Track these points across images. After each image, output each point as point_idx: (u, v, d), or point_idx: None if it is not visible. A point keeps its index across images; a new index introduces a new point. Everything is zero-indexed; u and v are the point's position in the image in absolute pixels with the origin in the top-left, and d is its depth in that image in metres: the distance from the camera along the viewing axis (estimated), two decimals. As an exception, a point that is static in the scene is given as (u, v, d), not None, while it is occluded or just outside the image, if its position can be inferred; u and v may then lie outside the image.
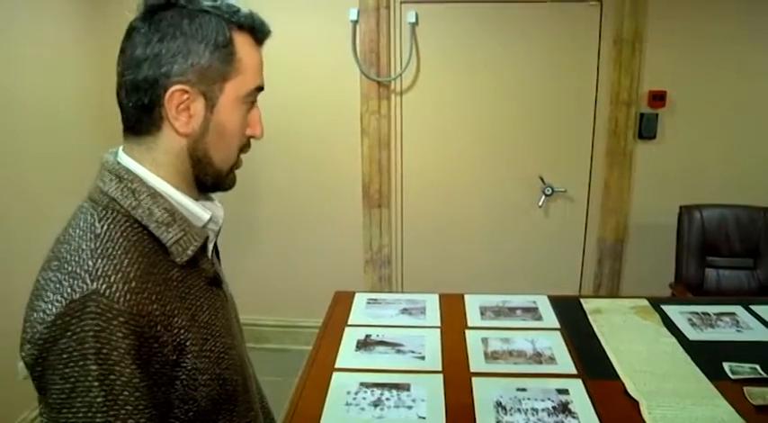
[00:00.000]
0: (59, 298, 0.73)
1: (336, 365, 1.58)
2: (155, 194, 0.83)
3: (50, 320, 0.72)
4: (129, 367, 0.72)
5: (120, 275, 0.74)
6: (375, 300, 1.99)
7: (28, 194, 2.38)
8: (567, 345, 1.63)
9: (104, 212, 0.80)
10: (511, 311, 1.84)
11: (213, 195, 0.97)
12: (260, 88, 0.90)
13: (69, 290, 0.73)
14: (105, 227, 0.78)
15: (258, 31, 0.88)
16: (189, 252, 0.83)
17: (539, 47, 2.77)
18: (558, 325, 1.75)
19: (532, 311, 1.84)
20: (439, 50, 2.81)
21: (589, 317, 1.78)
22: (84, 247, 0.76)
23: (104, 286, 0.72)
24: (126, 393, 0.72)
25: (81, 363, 0.70)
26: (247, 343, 3.00)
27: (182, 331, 0.79)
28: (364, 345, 1.68)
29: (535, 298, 1.93)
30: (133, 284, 0.74)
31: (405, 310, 1.89)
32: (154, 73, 0.80)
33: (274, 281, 3.20)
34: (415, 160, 2.97)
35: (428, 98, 2.88)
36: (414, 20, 2.73)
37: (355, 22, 2.75)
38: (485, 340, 1.66)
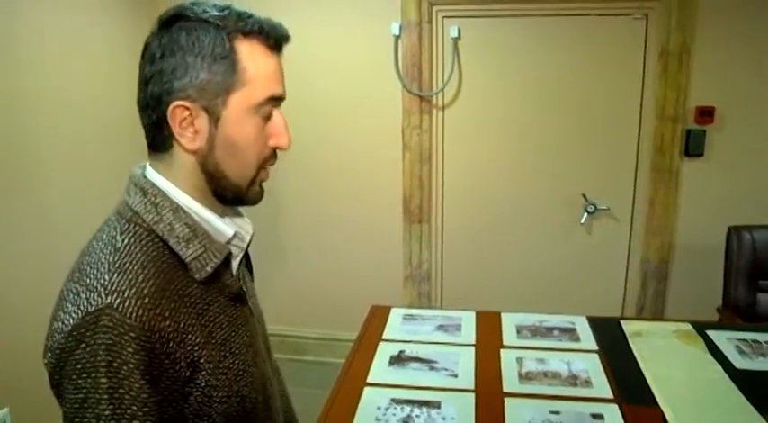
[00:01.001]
0: (77, 309, 0.74)
1: (368, 380, 1.57)
2: (177, 210, 0.82)
3: (68, 331, 0.73)
4: (138, 382, 0.72)
5: (133, 290, 0.74)
6: (411, 315, 1.98)
7: (89, 201, 2.47)
8: (604, 368, 1.57)
9: (127, 226, 0.81)
10: (548, 331, 1.80)
11: (243, 211, 0.96)
12: (276, 98, 0.86)
13: (86, 302, 0.74)
14: (126, 241, 0.79)
15: (268, 36, 0.84)
16: (208, 269, 0.82)
17: (582, 61, 2.73)
18: (595, 347, 1.69)
19: (570, 332, 1.79)
20: (481, 65, 2.80)
21: (629, 339, 1.72)
22: (103, 260, 0.77)
23: (118, 301, 0.73)
24: (134, 408, 0.72)
25: (93, 374, 0.71)
26: (286, 355, 3.04)
27: (196, 348, 0.79)
28: (398, 360, 1.67)
29: (573, 318, 1.88)
30: (146, 300, 0.74)
31: (440, 327, 1.87)
32: (158, 90, 0.79)
33: (314, 293, 3.22)
34: (456, 176, 2.95)
35: (470, 113, 2.86)
36: (456, 34, 2.73)
37: (398, 37, 2.76)
38: (519, 360, 1.63)
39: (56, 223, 2.33)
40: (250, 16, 0.82)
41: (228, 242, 0.88)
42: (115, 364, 0.71)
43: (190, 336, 0.78)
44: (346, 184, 3.04)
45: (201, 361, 0.80)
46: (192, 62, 0.78)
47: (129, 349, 0.72)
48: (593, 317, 1.88)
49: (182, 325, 0.78)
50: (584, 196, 2.81)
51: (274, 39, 0.85)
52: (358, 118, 2.95)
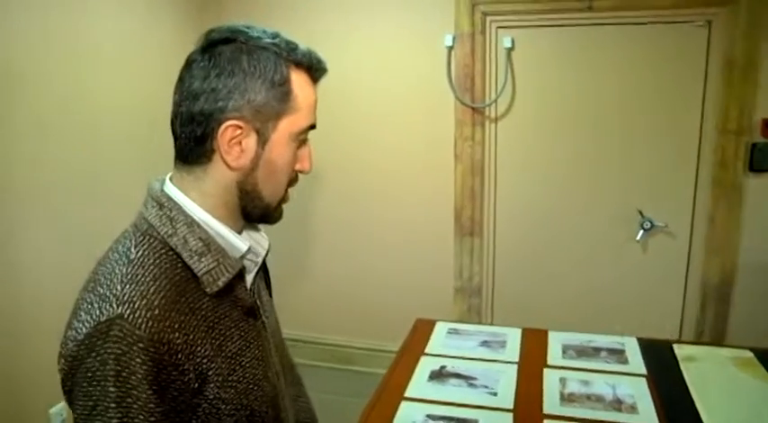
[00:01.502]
0: (89, 319, 0.76)
1: (406, 394, 1.56)
2: (192, 224, 0.84)
3: (80, 340, 0.76)
4: (146, 392, 0.74)
5: (144, 302, 0.76)
6: (456, 330, 1.96)
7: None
8: (651, 393, 1.50)
9: (142, 238, 0.83)
10: (595, 352, 1.73)
11: (262, 226, 1.00)
12: (313, 126, 0.91)
13: (98, 312, 0.76)
14: (140, 253, 0.81)
15: (315, 70, 0.89)
16: (219, 283, 0.83)
17: (640, 71, 2.62)
18: (644, 371, 1.61)
19: (618, 354, 1.72)
20: (535, 76, 2.74)
21: (680, 364, 1.63)
22: (117, 271, 0.80)
23: (128, 311, 0.75)
24: (141, 417, 0.74)
25: (103, 383, 0.73)
26: (334, 364, 3.04)
27: (204, 360, 0.80)
28: (438, 376, 1.65)
29: (623, 339, 1.80)
30: (156, 312, 0.76)
31: (484, 343, 1.84)
32: (210, 107, 0.82)
33: (363, 304, 3.22)
34: (509, 188, 2.89)
35: (523, 125, 2.81)
36: (510, 45, 2.68)
37: (451, 48, 2.74)
38: (563, 381, 1.57)
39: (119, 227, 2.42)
40: (297, 47, 0.87)
41: (243, 257, 0.90)
42: (124, 374, 0.73)
43: (199, 348, 0.80)
44: (397, 194, 3.03)
45: (210, 373, 0.81)
46: (252, 85, 0.82)
47: (138, 360, 0.74)
48: (644, 338, 1.80)
49: (191, 337, 0.79)
50: (641, 212, 2.70)
51: (318, 72, 0.90)
52: (410, 129, 2.94)
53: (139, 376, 0.73)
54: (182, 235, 0.83)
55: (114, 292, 0.77)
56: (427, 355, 1.79)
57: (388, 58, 2.89)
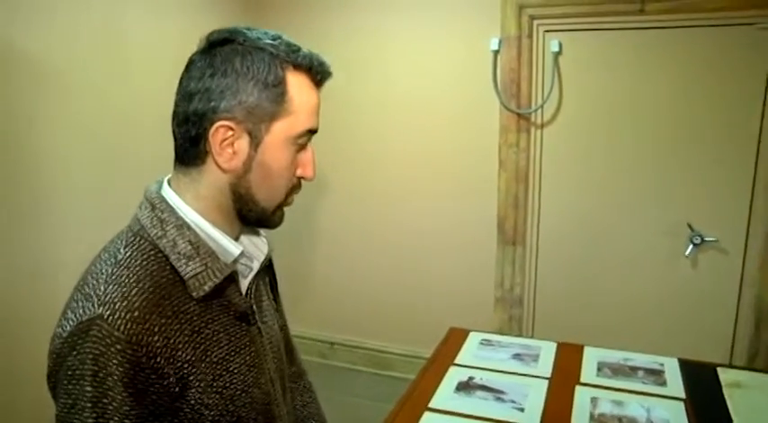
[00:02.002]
0: (73, 317, 0.76)
1: (430, 405, 1.52)
2: (182, 226, 0.83)
3: (64, 337, 0.76)
4: (121, 394, 0.73)
5: (125, 303, 0.75)
6: (489, 341, 1.90)
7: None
8: (689, 419, 1.40)
9: (132, 239, 0.82)
10: (632, 371, 1.64)
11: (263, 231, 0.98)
12: (312, 131, 0.88)
13: (81, 311, 0.76)
14: (128, 253, 0.80)
15: (316, 72, 0.86)
16: (206, 288, 0.82)
17: (694, 76, 2.50)
18: (683, 395, 1.51)
19: (656, 374, 1.62)
20: (582, 81, 2.66)
21: (724, 390, 1.52)
22: (103, 270, 0.79)
23: (108, 312, 0.74)
24: (116, 418, 0.73)
25: (81, 382, 0.73)
26: (371, 369, 3.03)
27: (185, 365, 0.79)
28: (465, 387, 1.60)
29: (663, 359, 1.70)
30: (136, 314, 0.75)
31: (517, 356, 1.78)
32: (203, 107, 0.81)
33: (404, 309, 3.19)
34: (554, 197, 2.81)
35: (569, 132, 2.72)
36: (557, 49, 2.60)
37: (496, 52, 2.69)
38: (594, 400, 1.49)
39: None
40: (300, 49, 0.85)
41: (235, 261, 0.88)
42: (101, 375, 0.73)
43: (180, 352, 0.78)
44: (440, 200, 2.99)
45: (191, 378, 0.79)
46: (244, 85, 0.81)
47: (115, 361, 0.73)
48: (686, 360, 1.69)
49: (172, 341, 0.77)
50: (690, 226, 2.56)
51: (320, 75, 0.87)
52: (453, 134, 2.90)
53: (116, 378, 0.73)
54: (171, 237, 0.82)
55: (97, 291, 0.76)
56: (457, 365, 1.74)
57: (431, 61, 2.86)
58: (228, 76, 0.80)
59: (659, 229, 2.66)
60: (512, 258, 2.89)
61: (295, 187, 0.91)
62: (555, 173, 2.78)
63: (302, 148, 0.88)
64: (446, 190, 2.97)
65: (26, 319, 1.94)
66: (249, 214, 0.88)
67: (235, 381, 0.85)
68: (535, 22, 2.64)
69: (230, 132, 0.81)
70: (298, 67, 0.84)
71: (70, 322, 0.76)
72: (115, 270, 0.78)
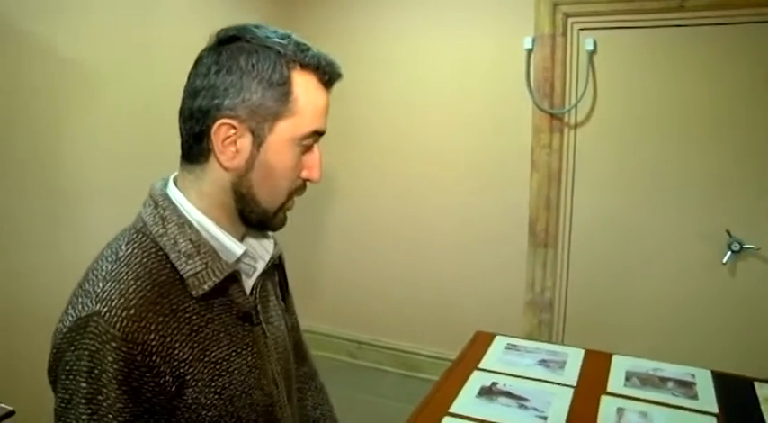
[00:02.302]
0: (73, 313, 0.76)
1: (450, 410, 1.49)
2: (183, 225, 0.82)
3: (64, 332, 0.76)
4: (115, 392, 0.72)
5: (122, 301, 0.75)
6: (515, 346, 1.86)
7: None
8: (720, 436, 1.35)
9: (134, 236, 0.82)
10: (661, 382, 1.58)
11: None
12: (319, 132, 0.85)
13: (80, 307, 0.76)
14: (129, 251, 0.80)
15: (324, 73, 0.84)
16: (205, 287, 0.81)
17: (735, 75, 2.40)
18: (715, 409, 1.44)
19: (688, 387, 1.55)
20: (618, 80, 2.58)
21: (761, 406, 1.44)
22: (103, 267, 0.79)
23: (105, 309, 0.74)
24: (110, 416, 0.72)
25: (77, 378, 0.73)
26: (399, 369, 3.02)
27: (182, 364, 0.78)
28: (488, 392, 1.57)
29: (696, 371, 1.63)
30: (132, 312, 0.74)
31: (542, 362, 1.74)
32: (207, 104, 0.80)
33: (432, 310, 3.17)
34: (587, 199, 2.74)
35: (604, 133, 2.65)
36: (592, 47, 2.54)
37: (530, 51, 2.63)
38: (620, 411, 1.44)
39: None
40: (309, 49, 0.83)
41: (238, 261, 0.87)
42: (96, 371, 0.72)
43: (177, 351, 0.77)
44: (470, 201, 2.96)
45: (188, 378, 0.78)
46: (248, 84, 0.79)
47: (110, 358, 0.72)
48: (721, 372, 1.62)
49: (168, 339, 0.76)
50: (729, 232, 2.46)
51: (329, 75, 0.85)
52: (484, 134, 2.86)
53: (110, 375, 0.72)
54: (172, 235, 0.81)
55: (96, 288, 0.76)
56: (480, 369, 1.71)
57: (463, 60, 2.83)
58: (233, 74, 0.79)
59: (696, 235, 2.56)
60: (543, 261, 2.84)
61: (298, 189, 0.89)
62: (588, 174, 2.71)
63: (308, 149, 0.86)
64: (478, 191, 2.93)
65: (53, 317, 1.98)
66: (250, 215, 0.86)
67: (234, 381, 0.84)
68: (570, 20, 2.58)
69: (232, 131, 0.80)
70: (305, 66, 0.82)
71: (70, 318, 0.76)
72: (115, 267, 0.78)
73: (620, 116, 2.61)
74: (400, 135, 3.05)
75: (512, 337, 1.94)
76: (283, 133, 0.82)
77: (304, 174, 0.87)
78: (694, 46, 2.43)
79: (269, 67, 0.80)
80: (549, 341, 2.81)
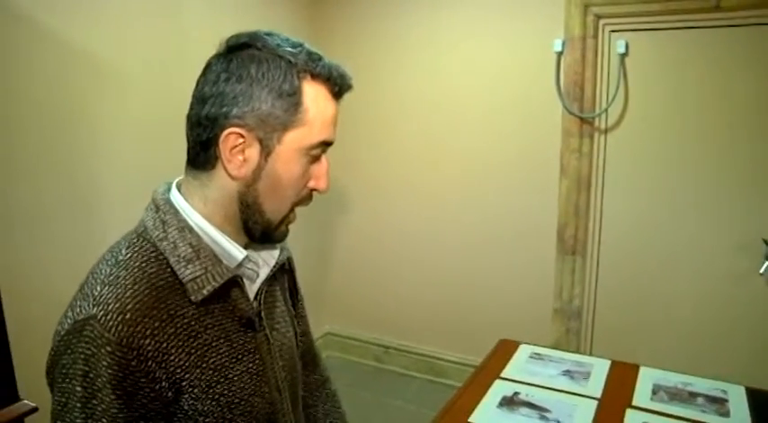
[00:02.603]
0: (72, 316, 0.76)
1: (470, 419, 1.47)
2: (183, 229, 0.81)
3: (62, 335, 0.76)
4: (109, 396, 0.72)
5: (118, 305, 0.74)
6: (539, 355, 1.82)
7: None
8: (752, 456, 1.29)
9: (135, 240, 0.81)
10: (691, 397, 1.52)
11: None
12: (327, 143, 0.84)
13: (78, 310, 0.75)
14: (129, 255, 0.79)
15: (335, 84, 0.83)
16: (204, 291, 0.79)
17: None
18: (748, 427, 1.39)
19: (718, 403, 1.49)
20: (650, 84, 2.50)
21: (797, 424, 1.39)
22: (103, 270, 0.79)
23: (101, 313, 0.73)
24: (104, 420, 0.72)
25: (73, 382, 0.73)
26: (425, 375, 3.01)
27: (178, 370, 0.77)
28: (509, 403, 1.54)
29: (727, 386, 1.57)
30: (128, 316, 0.74)
31: (567, 372, 1.70)
32: (215, 111, 0.79)
33: (459, 316, 3.13)
34: (617, 206, 2.67)
35: (635, 137, 2.57)
36: (623, 50, 2.47)
37: (560, 54, 2.58)
38: (646, 426, 1.39)
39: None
40: (320, 58, 0.82)
41: (239, 266, 0.86)
42: (91, 375, 0.72)
43: (173, 357, 0.76)
44: (498, 206, 2.91)
45: (185, 384, 0.77)
46: (258, 93, 0.78)
47: (104, 362, 0.72)
48: (756, 389, 1.55)
49: (164, 345, 0.76)
50: (766, 241, 2.37)
51: (339, 87, 0.84)
52: (512, 138, 2.81)
53: (104, 379, 0.72)
54: (172, 240, 0.80)
55: (94, 291, 0.76)
56: (503, 378, 1.67)
57: (491, 63, 2.79)
58: (243, 82, 0.78)
59: (731, 244, 2.47)
60: (571, 268, 2.77)
61: (304, 199, 0.87)
62: (619, 180, 2.64)
63: (316, 159, 0.85)
64: (506, 196, 2.88)
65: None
66: (254, 227, 0.85)
67: (234, 388, 0.83)
68: (601, 22, 2.52)
69: (241, 140, 0.79)
70: (316, 76, 0.81)
71: (68, 321, 0.76)
72: (113, 270, 0.78)
73: (653, 120, 2.53)
74: (428, 138, 3.02)
75: (536, 345, 1.89)
76: (292, 143, 0.81)
77: (311, 184, 0.86)
78: (731, 47, 2.34)
79: (279, 77, 0.78)
80: (578, 351, 2.74)
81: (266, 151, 0.80)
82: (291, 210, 0.87)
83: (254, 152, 0.80)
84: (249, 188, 0.82)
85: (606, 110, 2.57)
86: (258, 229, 0.86)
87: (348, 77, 0.85)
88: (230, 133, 0.79)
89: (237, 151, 0.80)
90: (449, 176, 3.00)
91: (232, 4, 2.63)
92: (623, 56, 2.49)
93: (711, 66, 2.39)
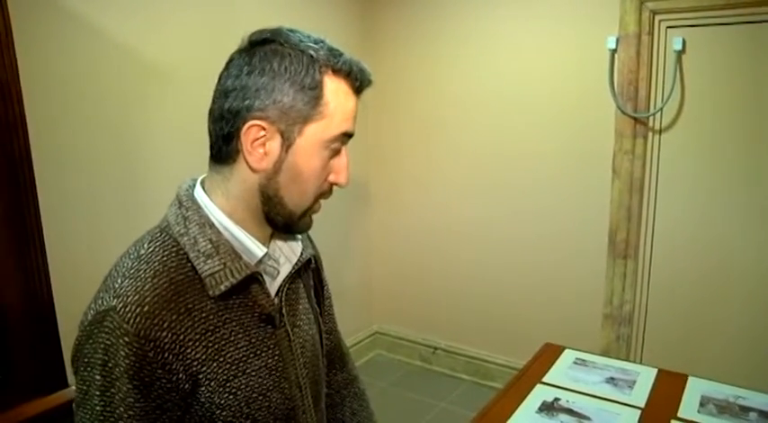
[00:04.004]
0: (94, 307, 0.79)
1: (508, 423, 1.44)
2: (204, 225, 0.83)
3: (85, 325, 0.79)
4: (126, 385, 0.74)
5: (136, 297, 0.76)
6: (583, 361, 1.78)
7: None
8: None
9: (158, 235, 0.84)
10: (742, 411, 1.44)
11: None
12: (347, 134, 0.85)
13: (100, 301, 0.78)
14: (151, 249, 0.82)
15: (355, 78, 0.84)
16: (222, 287, 0.81)
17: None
18: (803, 445, 1.31)
19: (772, 418, 1.42)
20: (708, 82, 2.40)
21: None
22: (125, 264, 0.81)
23: (121, 305, 0.76)
24: (121, 409, 0.74)
25: (93, 370, 0.76)
26: (472, 377, 2.99)
27: (195, 363, 0.78)
28: (549, 408, 1.50)
29: (784, 401, 1.49)
30: (146, 308, 0.76)
31: (611, 380, 1.65)
32: (238, 105, 0.81)
33: (507, 319, 3.10)
34: (671, 209, 2.57)
35: (691, 138, 2.47)
36: (680, 47, 2.37)
37: (614, 51, 2.50)
38: (690, 439, 1.34)
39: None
40: (341, 54, 0.83)
41: (259, 262, 0.87)
42: (110, 365, 0.75)
43: (190, 350, 0.78)
44: (547, 209, 2.86)
45: (201, 377, 0.79)
46: (280, 86, 0.80)
47: (122, 353, 0.74)
48: (812, 404, 1.47)
49: (181, 337, 0.78)
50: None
51: (360, 82, 0.85)
52: (563, 139, 2.75)
53: (122, 369, 0.74)
54: (192, 235, 0.82)
55: (115, 284, 0.79)
56: (544, 383, 1.64)
57: (543, 60, 2.74)
58: (266, 75, 0.80)
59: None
60: (622, 273, 2.69)
61: (324, 193, 0.88)
62: (673, 182, 2.55)
63: (336, 153, 0.86)
64: (556, 198, 2.82)
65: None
66: (276, 218, 0.86)
67: (252, 383, 0.84)
68: (657, 18, 2.43)
69: (262, 132, 0.81)
70: (337, 71, 0.82)
71: (91, 312, 0.79)
72: (135, 264, 0.80)
73: (710, 121, 2.43)
74: (479, 137, 2.99)
75: (581, 351, 1.85)
76: (313, 136, 0.82)
77: (331, 178, 0.87)
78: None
79: (302, 71, 0.80)
80: (627, 358, 2.66)
81: (287, 144, 0.82)
82: (314, 202, 0.88)
83: (275, 145, 0.82)
84: (270, 181, 0.83)
85: (661, 109, 2.48)
86: (280, 221, 0.87)
87: (368, 73, 0.85)
88: (252, 126, 0.80)
89: (259, 144, 0.81)
90: (499, 177, 2.96)
91: (283, 1, 2.66)
92: (679, 53, 2.40)
93: (775, 63, 2.27)
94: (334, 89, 0.82)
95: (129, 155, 2.12)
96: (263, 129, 0.81)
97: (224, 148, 0.84)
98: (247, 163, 0.83)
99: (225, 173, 0.86)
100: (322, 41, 0.83)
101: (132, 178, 2.14)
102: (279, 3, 2.64)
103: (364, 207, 3.41)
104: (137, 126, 2.13)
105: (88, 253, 2.00)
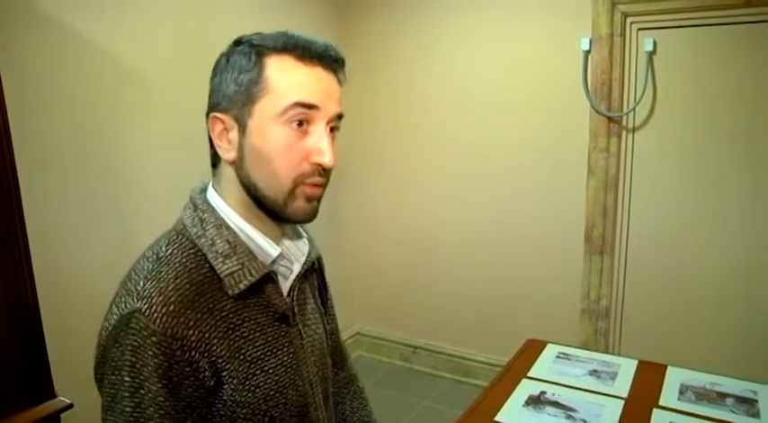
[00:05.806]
0: (117, 311, 0.80)
1: (496, 418, 1.47)
2: (221, 226, 0.86)
3: (109, 330, 0.79)
4: (156, 385, 0.75)
5: (161, 298, 0.78)
6: (566, 355, 1.82)
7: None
8: (782, 457, 1.27)
9: (175, 237, 0.86)
10: (719, 397, 1.50)
11: (304, 231, 0.99)
12: (303, 104, 0.82)
13: (123, 305, 0.79)
14: (169, 251, 0.83)
15: (302, 50, 0.83)
16: (241, 286, 0.83)
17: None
18: (779, 429, 1.37)
19: (749, 404, 1.47)
20: (679, 82, 2.47)
21: (829, 426, 1.36)
22: (145, 267, 0.82)
23: (146, 306, 0.77)
24: (151, 409, 0.75)
25: (121, 373, 0.76)
26: (453, 375, 3.00)
27: (219, 360, 0.80)
28: (535, 402, 1.54)
29: (758, 387, 1.54)
30: (171, 308, 0.77)
31: (593, 372, 1.69)
32: (208, 108, 0.87)
33: (487, 316, 3.13)
34: (645, 206, 2.64)
35: (664, 136, 2.54)
36: (651, 48, 2.45)
37: (587, 53, 2.57)
38: (672, 426, 1.38)
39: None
40: (290, 36, 0.84)
41: (273, 262, 0.89)
42: (138, 365, 0.75)
43: (215, 347, 0.80)
44: (525, 206, 2.91)
45: (225, 374, 0.81)
46: (226, 77, 0.84)
47: (150, 352, 0.75)
48: (786, 389, 1.53)
49: (206, 335, 0.79)
50: (798, 240, 2.32)
51: (308, 52, 0.83)
52: (541, 138, 2.80)
53: (151, 369, 0.75)
54: (210, 236, 0.84)
55: (137, 287, 0.80)
56: (529, 378, 1.67)
57: (517, 62, 2.79)
58: (219, 75, 0.86)
59: (760, 244, 2.43)
60: (599, 269, 2.76)
61: (307, 174, 0.84)
62: (647, 180, 2.62)
63: (301, 126, 0.83)
64: (533, 196, 2.88)
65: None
66: (263, 205, 0.87)
67: (269, 381, 0.85)
68: (628, 20, 2.50)
69: (221, 124, 0.85)
70: (280, 50, 0.83)
71: (114, 316, 0.80)
72: (155, 266, 0.82)
73: (682, 119, 2.50)
74: (453, 137, 3.03)
75: (564, 345, 1.89)
76: (262, 114, 0.83)
77: (313, 158, 0.84)
78: (762, 44, 2.30)
79: (243, 59, 0.83)
80: (606, 351, 2.72)
81: (242, 128, 0.84)
82: (294, 185, 0.85)
83: (235, 133, 0.85)
84: (242, 170, 0.85)
85: (634, 109, 2.55)
86: (271, 211, 0.87)
87: (321, 44, 0.84)
88: (211, 119, 0.85)
89: (223, 136, 0.85)
90: (477, 176, 3.00)
91: (258, 6, 2.67)
92: (651, 54, 2.47)
93: (741, 63, 2.35)
94: (276, 64, 0.82)
95: (114, 160, 2.11)
96: (221, 120, 0.84)
97: (211, 152, 0.89)
98: (222, 158, 0.87)
99: (218, 175, 0.90)
100: (284, 34, 0.84)
101: (117, 183, 2.12)
102: (255, 12, 2.64)
103: (343, 207, 3.42)
104: (121, 132, 2.12)
105: (74, 259, 1.98)
